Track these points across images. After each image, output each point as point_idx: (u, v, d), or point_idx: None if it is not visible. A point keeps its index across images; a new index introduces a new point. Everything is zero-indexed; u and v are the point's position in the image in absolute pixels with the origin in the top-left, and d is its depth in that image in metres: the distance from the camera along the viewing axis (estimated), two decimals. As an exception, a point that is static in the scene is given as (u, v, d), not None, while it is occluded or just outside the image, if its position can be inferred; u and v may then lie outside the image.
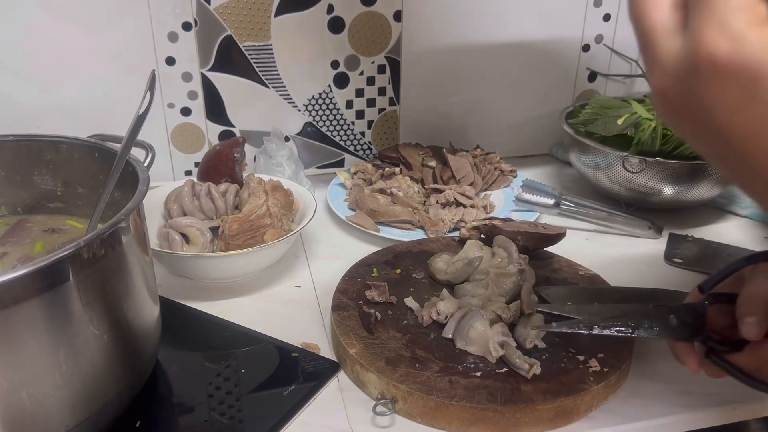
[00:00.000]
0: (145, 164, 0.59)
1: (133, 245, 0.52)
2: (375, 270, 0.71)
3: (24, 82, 0.85)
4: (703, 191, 0.83)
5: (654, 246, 0.82)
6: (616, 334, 0.53)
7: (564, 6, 0.99)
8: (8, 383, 0.43)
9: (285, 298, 0.72)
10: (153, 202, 0.78)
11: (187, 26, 0.88)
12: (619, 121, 0.82)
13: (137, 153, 0.59)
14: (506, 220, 0.76)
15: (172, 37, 0.88)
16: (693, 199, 0.84)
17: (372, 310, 0.64)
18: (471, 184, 0.91)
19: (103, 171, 0.60)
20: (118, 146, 0.59)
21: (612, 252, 0.81)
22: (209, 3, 0.87)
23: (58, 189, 0.64)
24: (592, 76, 1.06)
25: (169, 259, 0.70)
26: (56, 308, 0.44)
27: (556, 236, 0.73)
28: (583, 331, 0.54)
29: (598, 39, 1.03)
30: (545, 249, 0.74)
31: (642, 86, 1.05)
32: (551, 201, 0.88)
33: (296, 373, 0.60)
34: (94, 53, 0.86)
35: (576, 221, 0.87)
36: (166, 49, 0.89)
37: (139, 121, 0.58)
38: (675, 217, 0.88)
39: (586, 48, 1.04)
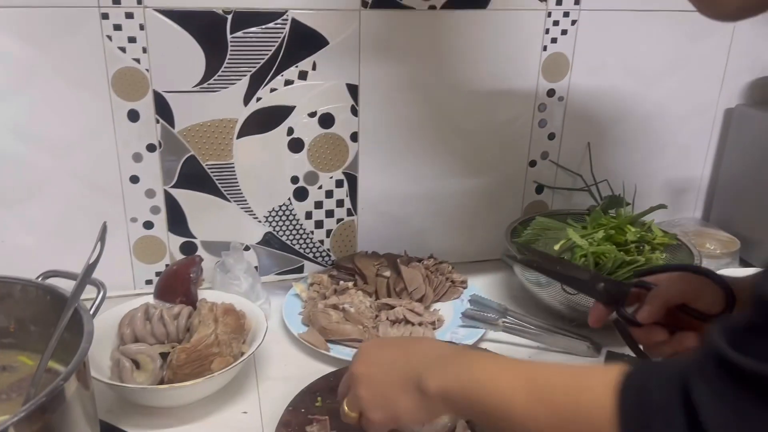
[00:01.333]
0: (96, 302, 0.63)
1: (77, 400, 0.54)
2: (320, 399, 0.73)
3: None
4: (638, 311, 0.87)
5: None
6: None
7: (513, 129, 1.06)
8: None
9: (231, 426, 0.74)
10: (108, 323, 0.80)
11: (151, 147, 0.93)
12: (556, 247, 0.87)
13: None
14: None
15: (137, 157, 0.93)
16: (630, 317, 0.88)
17: (312, 446, 0.66)
18: (422, 298, 0.95)
19: (54, 311, 0.63)
20: (68, 290, 0.62)
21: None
22: (173, 126, 0.92)
23: (11, 326, 0.66)
24: (540, 189, 1.12)
25: (118, 390, 0.72)
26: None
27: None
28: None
29: (544, 155, 1.10)
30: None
31: (585, 199, 1.11)
32: (496, 317, 0.92)
33: None
34: (59, 173, 0.90)
35: (519, 338, 0.90)
36: (131, 168, 0.93)
37: (89, 269, 0.61)
38: (614, 334, 0.92)
39: (532, 163, 1.10)
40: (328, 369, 0.81)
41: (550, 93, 1.06)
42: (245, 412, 0.76)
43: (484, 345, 0.88)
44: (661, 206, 0.96)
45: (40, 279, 0.67)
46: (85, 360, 0.57)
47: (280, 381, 0.81)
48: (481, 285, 1.04)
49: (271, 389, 0.80)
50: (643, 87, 1.10)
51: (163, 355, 0.77)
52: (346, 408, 0.58)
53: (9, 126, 0.86)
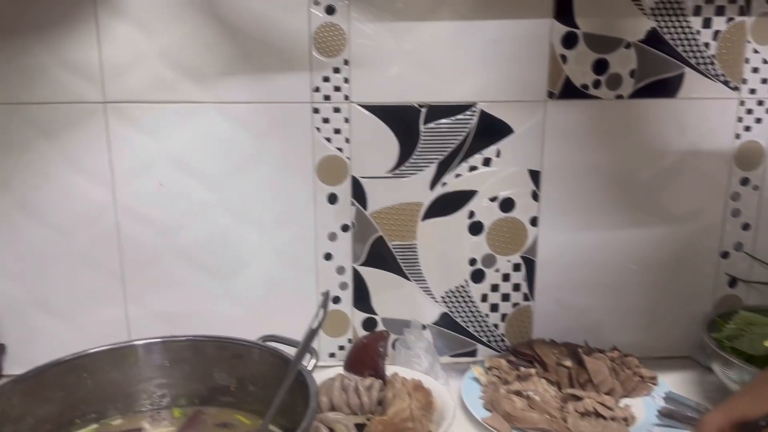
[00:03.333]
0: (310, 368, 0.67)
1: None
2: (514, 486, 0.71)
3: (204, 275, 0.99)
4: None
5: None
6: None
7: (703, 219, 1.02)
8: None
9: (423, 506, 0.73)
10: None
11: (345, 228, 1.00)
12: (766, 343, 0.80)
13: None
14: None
15: (332, 236, 1.00)
16: None
17: None
18: (609, 391, 0.91)
19: (274, 374, 0.68)
20: (290, 353, 0.67)
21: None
22: (366, 209, 0.99)
23: (232, 385, 0.72)
24: (733, 282, 1.05)
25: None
26: None
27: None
28: None
29: (737, 247, 1.03)
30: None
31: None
32: (696, 417, 0.85)
33: None
34: (263, 250, 0.99)
35: (725, 443, 0.82)
36: (325, 246, 1.00)
37: (312, 334, 0.66)
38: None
39: (725, 255, 1.04)
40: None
41: (744, 182, 1.01)
42: (436, 493, 0.75)
43: (684, 448, 0.81)
44: None
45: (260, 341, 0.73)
46: (310, 424, 0.60)
47: (467, 465, 0.80)
48: (671, 382, 0.97)
49: (459, 472, 0.79)
50: None
51: (358, 426, 0.79)
52: None
53: (227, 206, 0.97)
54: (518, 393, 0.88)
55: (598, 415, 0.84)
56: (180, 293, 0.99)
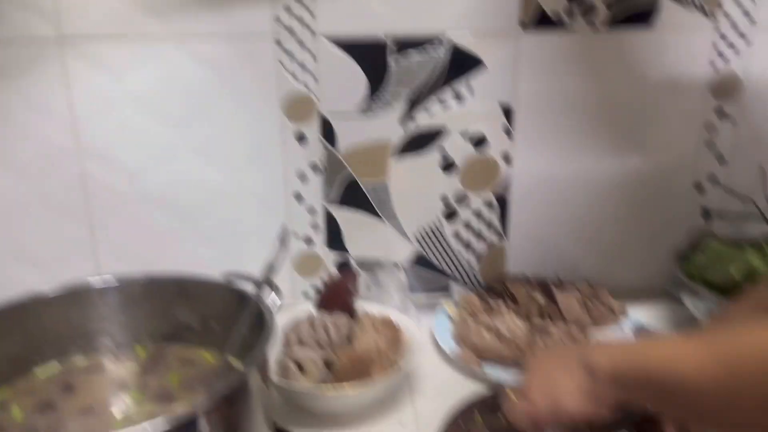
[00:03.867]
0: (273, 304, 0.67)
1: (258, 385, 0.57)
2: (478, 416, 0.72)
3: (174, 216, 0.98)
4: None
5: None
6: None
7: (675, 148, 1.01)
8: None
9: (389, 436, 0.75)
10: (273, 328, 0.84)
11: (315, 167, 0.98)
12: (733, 271, 0.80)
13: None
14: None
15: (302, 176, 0.98)
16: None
17: (474, 463, 0.65)
18: (579, 325, 0.91)
19: (236, 310, 0.67)
20: (250, 289, 0.66)
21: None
22: (336, 147, 0.97)
23: (195, 322, 0.72)
24: (706, 214, 1.04)
25: (286, 392, 0.75)
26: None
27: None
28: None
29: (712, 179, 1.02)
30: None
31: (757, 229, 1.02)
32: (663, 347, 0.85)
33: None
34: (232, 191, 0.98)
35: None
36: (296, 186, 0.99)
37: (270, 268, 0.66)
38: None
39: (698, 187, 1.03)
40: (479, 388, 0.80)
41: (720, 113, 0.99)
42: (401, 424, 0.76)
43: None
44: None
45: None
46: (266, 355, 0.60)
47: (433, 397, 0.81)
48: (642, 315, 0.97)
49: (426, 403, 0.80)
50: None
51: (326, 362, 0.79)
52: (512, 395, 0.59)
53: (192, 147, 0.95)
54: (488, 327, 0.89)
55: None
56: (149, 237, 0.98)
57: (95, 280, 0.69)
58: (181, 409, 0.49)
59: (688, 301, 0.90)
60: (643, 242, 1.06)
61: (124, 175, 0.95)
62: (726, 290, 0.83)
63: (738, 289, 0.82)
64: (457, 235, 1.04)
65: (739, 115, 0.99)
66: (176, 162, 0.96)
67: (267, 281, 0.65)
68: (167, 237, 0.99)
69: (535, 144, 1.00)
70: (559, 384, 0.53)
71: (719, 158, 1.02)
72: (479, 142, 0.99)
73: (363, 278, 1.01)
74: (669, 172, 1.02)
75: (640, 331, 0.88)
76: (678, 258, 0.94)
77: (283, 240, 0.65)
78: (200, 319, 0.71)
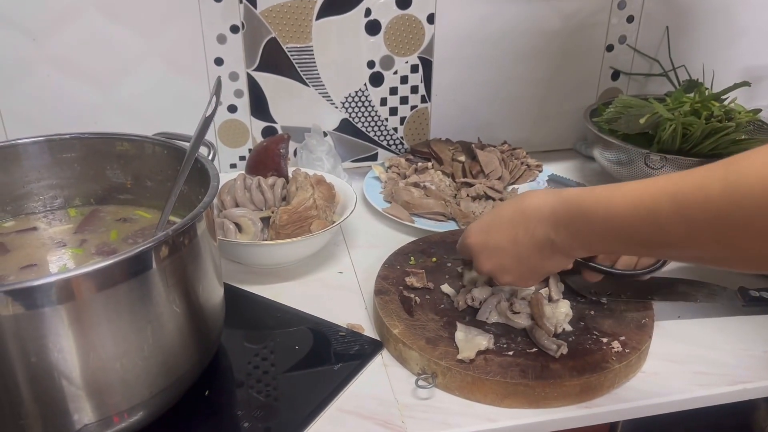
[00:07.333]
0: (210, 158, 0.66)
1: (206, 235, 0.58)
2: (412, 258, 0.77)
3: (84, 82, 0.92)
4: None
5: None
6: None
7: (589, 8, 1.04)
8: (107, 354, 0.50)
9: (329, 283, 0.78)
10: (206, 193, 0.84)
11: (234, 29, 0.94)
12: (642, 120, 0.87)
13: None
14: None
15: (221, 39, 0.94)
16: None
17: (412, 295, 0.70)
18: (499, 179, 0.97)
19: (170, 167, 0.66)
20: (186, 144, 0.65)
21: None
22: (255, 7, 0.93)
23: (128, 182, 0.70)
24: (615, 75, 1.11)
25: (227, 247, 0.77)
26: (146, 289, 0.51)
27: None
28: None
29: (622, 39, 1.08)
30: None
31: (662, 85, 1.10)
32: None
33: (345, 350, 0.67)
34: (147, 54, 0.93)
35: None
36: (215, 50, 0.95)
37: (207, 122, 0.64)
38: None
39: (609, 48, 1.08)
40: (412, 239, 0.84)
41: (631, -27, 1.03)
42: (341, 272, 0.80)
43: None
44: (745, 83, 0.94)
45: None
46: (212, 205, 0.60)
47: (369, 248, 0.85)
48: (556, 170, 1.05)
49: (362, 255, 0.84)
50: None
51: (263, 221, 0.81)
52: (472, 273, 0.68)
53: (102, 5, 0.88)
54: (416, 184, 0.93)
55: (488, 197, 0.91)
56: (59, 106, 0.93)
57: (21, 140, 0.65)
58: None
59: (598, 154, 0.97)
60: (556, 104, 1.11)
61: (27, 37, 0.88)
62: (634, 139, 0.90)
63: (645, 137, 0.89)
64: (383, 102, 1.05)
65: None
66: (85, 23, 0.89)
67: (203, 134, 0.64)
68: (80, 107, 0.93)
69: (457, 4, 1.00)
70: (528, 263, 0.60)
71: (629, 18, 1.06)
72: (404, 1, 0.98)
73: (292, 143, 1.01)
74: (583, 34, 1.06)
75: (554, 179, 0.95)
76: (589, 114, 1.00)
77: (217, 91, 0.64)
78: (134, 179, 0.70)
